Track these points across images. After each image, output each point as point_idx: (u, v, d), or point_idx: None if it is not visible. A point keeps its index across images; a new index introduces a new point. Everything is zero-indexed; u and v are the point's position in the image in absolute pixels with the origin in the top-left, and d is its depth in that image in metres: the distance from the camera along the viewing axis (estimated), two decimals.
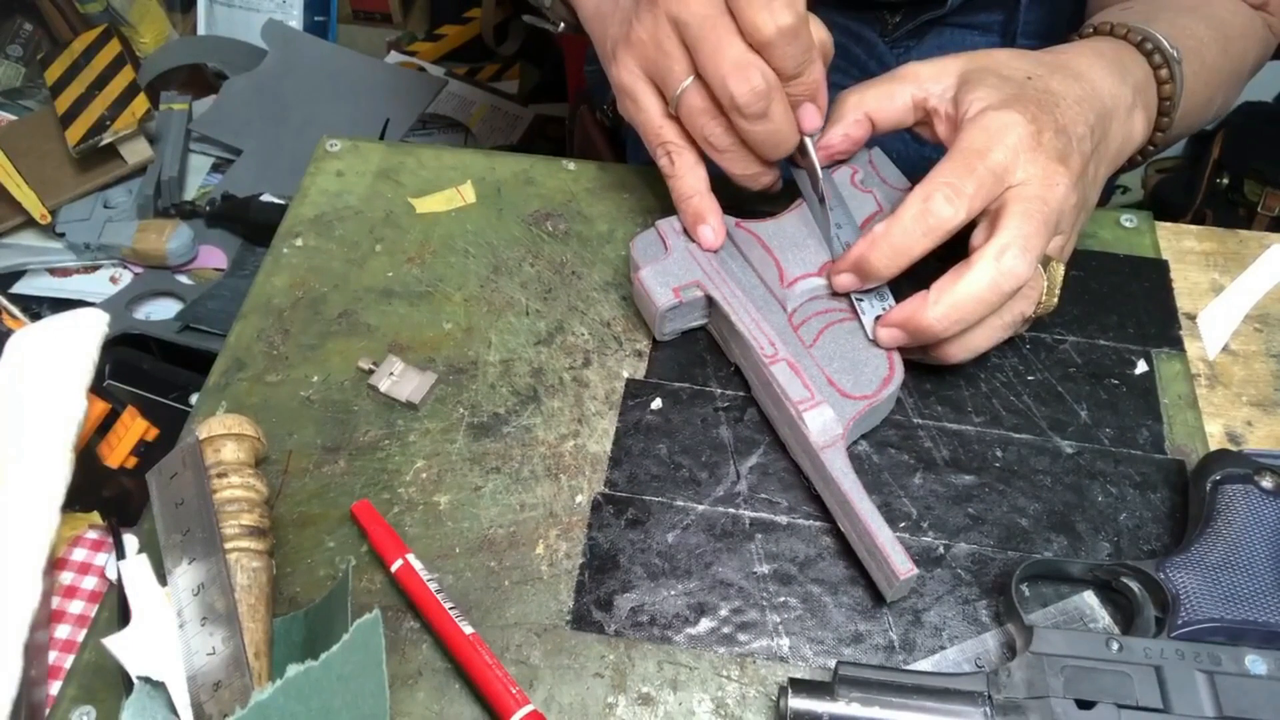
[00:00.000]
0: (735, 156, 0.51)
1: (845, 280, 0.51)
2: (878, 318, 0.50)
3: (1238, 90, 0.63)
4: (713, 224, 0.53)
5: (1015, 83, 0.49)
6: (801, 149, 0.52)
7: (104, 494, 0.60)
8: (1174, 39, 0.54)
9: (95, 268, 1.22)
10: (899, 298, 0.50)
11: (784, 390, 0.48)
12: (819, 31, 0.50)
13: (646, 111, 0.52)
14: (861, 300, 0.51)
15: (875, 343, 0.50)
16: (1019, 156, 0.46)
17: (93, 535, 0.53)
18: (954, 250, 0.48)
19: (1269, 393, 0.54)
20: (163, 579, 0.44)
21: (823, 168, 0.55)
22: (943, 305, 0.46)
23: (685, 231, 0.54)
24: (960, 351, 0.49)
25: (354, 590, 0.46)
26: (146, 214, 1.21)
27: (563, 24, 0.63)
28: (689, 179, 0.53)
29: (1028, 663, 0.41)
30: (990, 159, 0.46)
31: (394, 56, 1.61)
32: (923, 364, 0.52)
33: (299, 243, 0.61)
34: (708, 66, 0.47)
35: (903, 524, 0.48)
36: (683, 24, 0.48)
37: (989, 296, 0.46)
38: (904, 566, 0.43)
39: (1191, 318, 0.57)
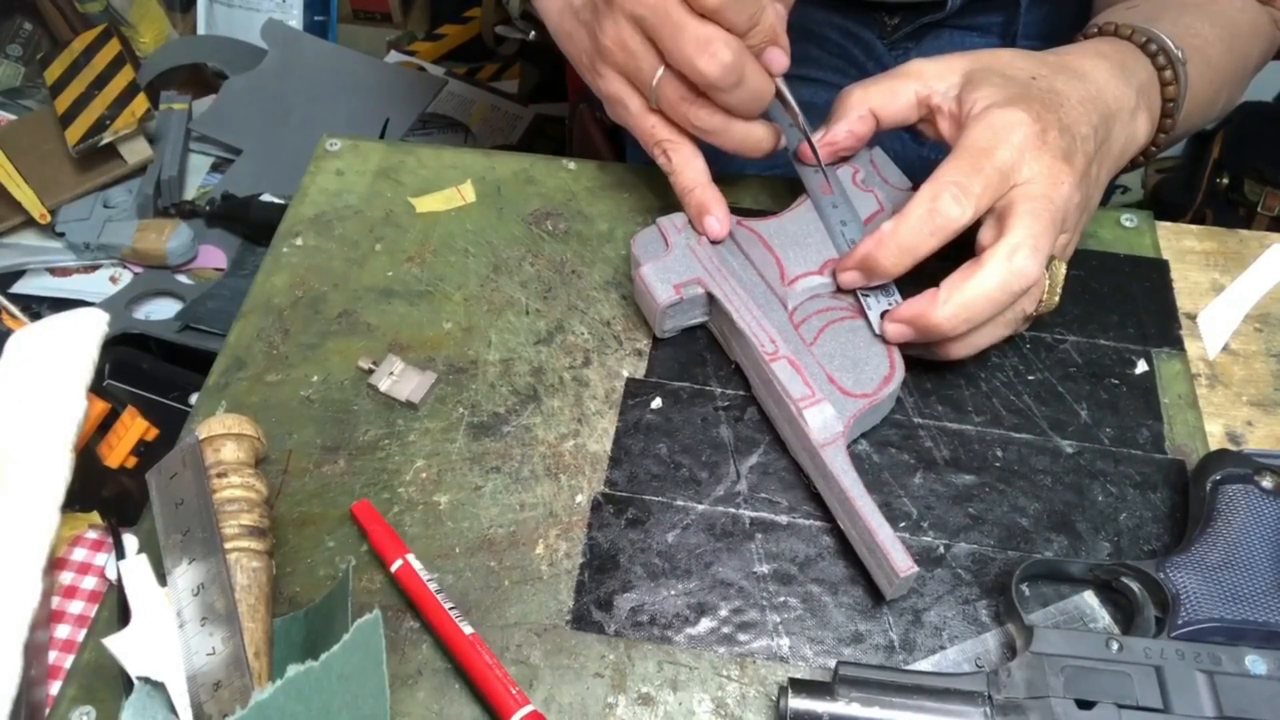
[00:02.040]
0: (727, 134, 0.51)
1: (851, 277, 0.51)
2: (884, 313, 0.50)
3: (1243, 87, 0.63)
4: (717, 214, 0.53)
5: (1019, 82, 0.49)
6: (777, 92, 0.52)
7: (104, 494, 0.60)
8: (1178, 39, 0.54)
9: (95, 268, 1.22)
10: (901, 291, 0.50)
11: (784, 388, 0.48)
12: None
13: (635, 114, 0.52)
14: (867, 296, 0.51)
15: (882, 337, 0.50)
16: (1024, 155, 0.46)
17: (93, 535, 0.53)
18: (954, 246, 0.48)
19: (1269, 393, 0.54)
20: (163, 579, 0.44)
21: (825, 165, 0.55)
22: (952, 304, 0.46)
23: (686, 229, 0.54)
24: (963, 349, 0.49)
25: (354, 590, 0.46)
26: (146, 214, 1.21)
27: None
28: (688, 172, 0.53)
29: (1028, 663, 0.41)
30: (996, 157, 0.46)
31: (394, 56, 1.61)
32: (923, 363, 0.52)
33: (299, 242, 0.61)
34: (673, 52, 0.48)
35: (903, 524, 0.48)
36: (640, 19, 0.48)
37: (999, 296, 0.46)
38: (904, 564, 0.43)
39: (1191, 318, 0.57)
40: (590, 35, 0.52)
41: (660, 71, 0.49)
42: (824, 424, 0.47)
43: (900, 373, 0.49)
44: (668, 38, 0.47)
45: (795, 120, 0.53)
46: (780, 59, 0.51)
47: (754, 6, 0.48)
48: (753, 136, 0.52)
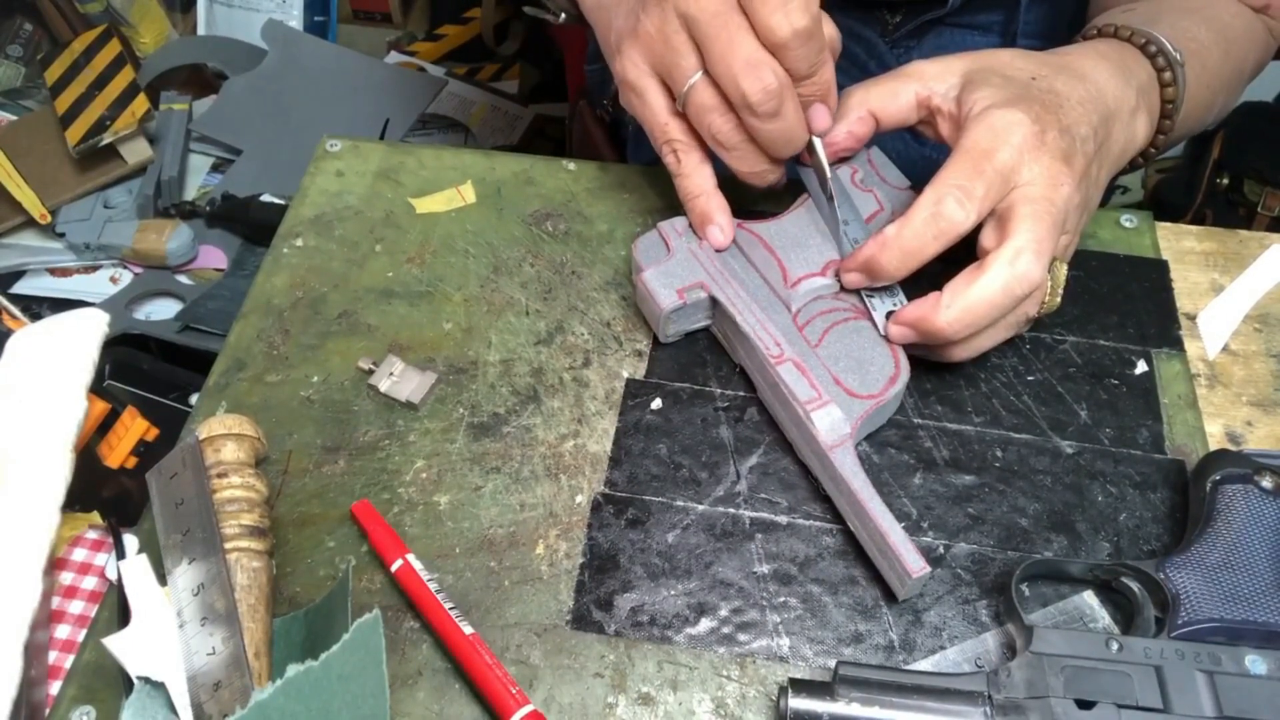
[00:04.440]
0: (743, 154, 0.51)
1: (854, 278, 0.51)
2: (889, 313, 0.50)
3: (1238, 93, 0.63)
4: (721, 223, 0.53)
5: (1019, 83, 0.49)
6: (810, 148, 0.52)
7: (104, 494, 0.60)
8: (1176, 41, 0.54)
9: (95, 268, 1.22)
10: (904, 290, 0.50)
11: (791, 390, 0.48)
12: (829, 29, 0.49)
13: (652, 108, 0.52)
14: (872, 296, 0.52)
15: (886, 337, 0.50)
16: (1023, 156, 0.46)
17: (93, 535, 0.53)
18: (955, 246, 0.48)
19: (1269, 393, 0.54)
20: (163, 579, 0.44)
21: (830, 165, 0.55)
22: (956, 309, 0.46)
23: (687, 232, 0.54)
24: (965, 352, 0.49)
25: (354, 590, 0.46)
26: (146, 214, 1.21)
27: (563, 15, 0.63)
28: (696, 178, 0.53)
29: (1028, 663, 0.41)
30: (997, 159, 0.46)
31: (394, 56, 1.61)
32: (923, 363, 0.52)
33: (299, 243, 0.61)
34: (718, 64, 0.47)
35: (903, 524, 0.48)
36: (692, 20, 0.47)
37: (1002, 300, 0.46)
38: (916, 565, 0.43)
39: (1191, 318, 0.57)
40: (629, 15, 0.51)
41: (698, 76, 0.49)
42: (831, 426, 0.47)
43: (906, 373, 0.49)
44: (719, 48, 0.47)
45: (824, 182, 0.53)
46: (824, 118, 0.50)
47: (818, 57, 0.47)
48: (761, 167, 0.51)
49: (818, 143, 0.51)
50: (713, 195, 0.53)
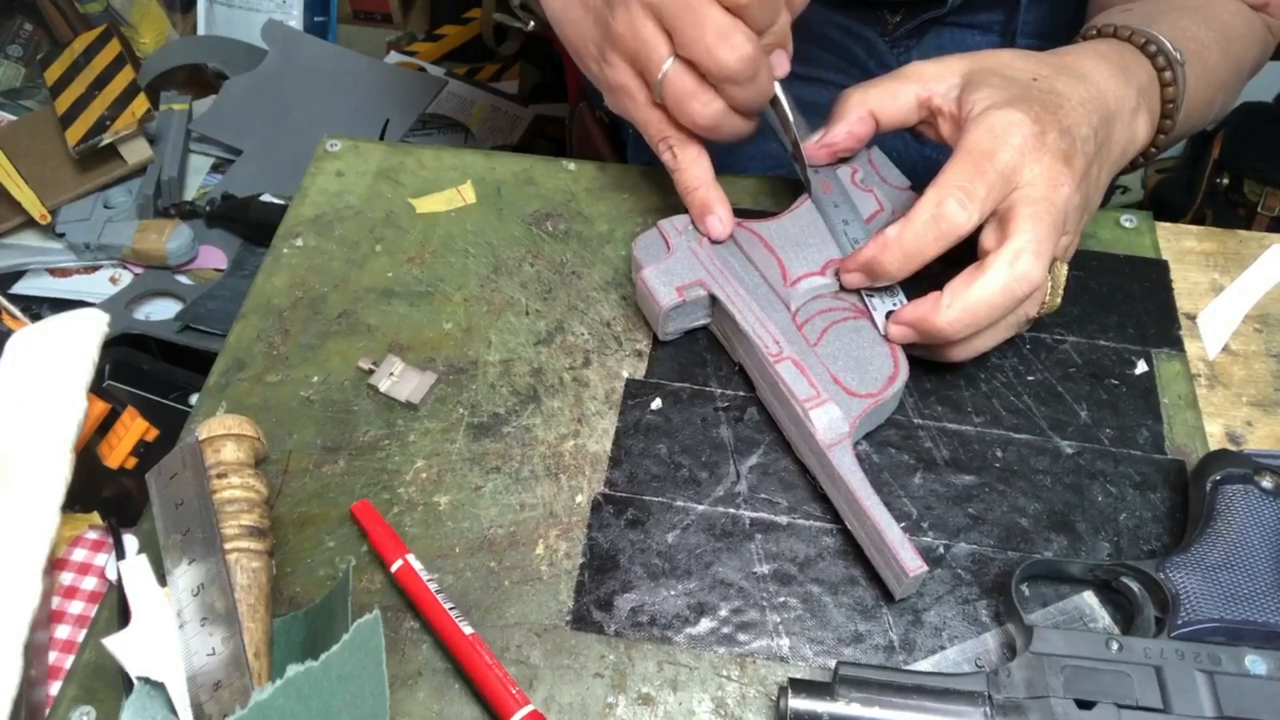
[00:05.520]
0: (721, 128, 0.51)
1: (854, 279, 0.51)
2: (889, 313, 0.50)
3: (1238, 91, 0.63)
4: (720, 214, 0.53)
5: (1019, 83, 0.49)
6: (772, 97, 0.52)
7: (104, 494, 0.60)
8: (1176, 41, 0.54)
9: (95, 268, 1.22)
10: (904, 289, 0.50)
11: (790, 389, 0.48)
12: None
13: (642, 106, 0.52)
14: (872, 296, 0.52)
15: (886, 336, 0.50)
16: (1024, 157, 0.46)
17: (93, 535, 0.53)
18: (956, 246, 0.48)
19: (1269, 393, 0.54)
20: (163, 579, 0.44)
21: (825, 165, 0.55)
22: (956, 309, 0.46)
23: (688, 230, 0.54)
24: (965, 352, 0.49)
25: (354, 590, 0.46)
26: (146, 214, 1.21)
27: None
28: (694, 171, 0.53)
29: (1028, 663, 0.41)
30: (998, 160, 0.46)
31: (394, 56, 1.62)
32: (923, 363, 0.52)
33: (299, 243, 0.61)
34: (691, 42, 0.47)
35: (903, 524, 0.48)
36: (658, 7, 0.47)
37: (1002, 301, 0.46)
38: (913, 565, 0.43)
39: (1191, 318, 0.57)
40: (599, 23, 0.51)
41: (669, 62, 0.49)
42: (830, 424, 0.47)
43: (905, 372, 0.49)
44: (688, 26, 0.47)
45: (787, 127, 0.53)
46: (785, 63, 0.51)
47: (775, 8, 0.48)
48: (740, 130, 0.51)
49: (779, 88, 0.52)
50: (711, 186, 0.53)
